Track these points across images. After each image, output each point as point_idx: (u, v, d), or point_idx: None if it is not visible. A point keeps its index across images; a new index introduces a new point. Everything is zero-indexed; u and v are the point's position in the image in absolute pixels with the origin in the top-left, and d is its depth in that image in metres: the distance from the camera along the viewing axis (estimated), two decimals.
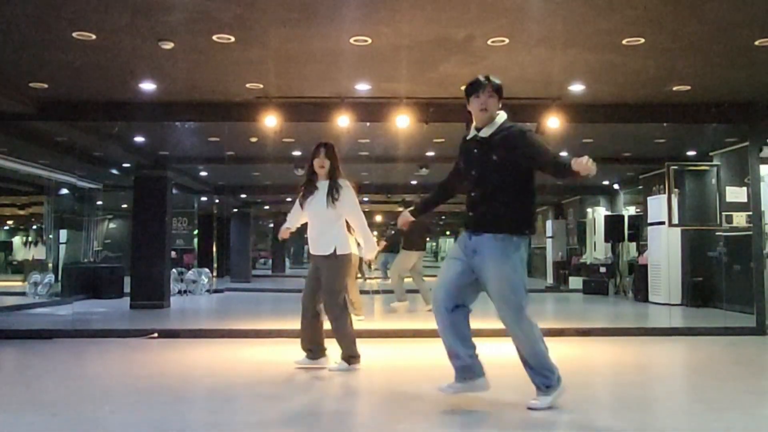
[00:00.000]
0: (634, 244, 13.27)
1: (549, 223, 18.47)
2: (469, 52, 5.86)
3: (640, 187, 13.01)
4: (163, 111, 7.74)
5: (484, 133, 3.90)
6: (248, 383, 4.80)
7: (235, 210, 19.14)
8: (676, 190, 10.37)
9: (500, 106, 3.95)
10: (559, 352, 6.31)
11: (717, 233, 10.07)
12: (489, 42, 5.58)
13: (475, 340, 4.14)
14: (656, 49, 5.75)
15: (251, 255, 19.81)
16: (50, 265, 13.41)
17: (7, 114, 7.65)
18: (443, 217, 26.39)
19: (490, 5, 4.88)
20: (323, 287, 5.13)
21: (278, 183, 14.94)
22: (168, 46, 5.59)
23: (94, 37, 5.42)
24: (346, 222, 5.37)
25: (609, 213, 14.66)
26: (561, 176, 3.69)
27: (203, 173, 14.03)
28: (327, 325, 5.23)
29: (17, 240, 20.25)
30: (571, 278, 15.91)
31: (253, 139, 9.46)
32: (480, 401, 4.10)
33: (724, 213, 9.12)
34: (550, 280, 17.79)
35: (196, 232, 16.99)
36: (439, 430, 3.56)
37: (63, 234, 14.10)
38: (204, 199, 16.69)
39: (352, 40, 5.55)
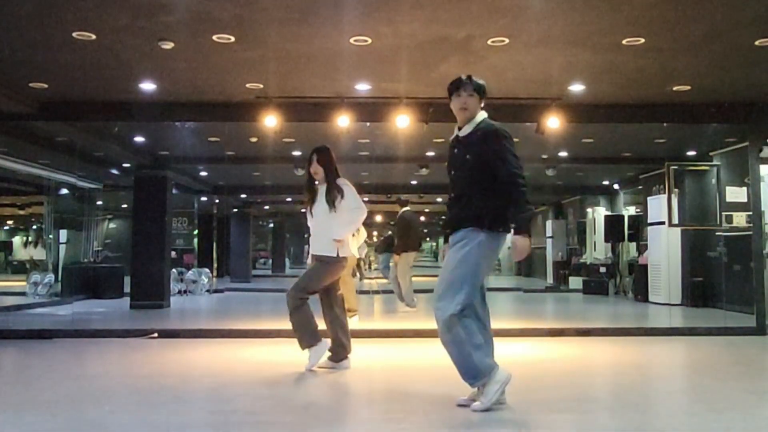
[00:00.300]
0: (634, 244, 13.27)
1: (549, 223, 18.48)
2: (469, 52, 5.86)
3: (640, 187, 13.01)
4: (163, 111, 7.74)
5: (463, 132, 3.91)
6: (248, 383, 4.80)
7: (235, 210, 19.15)
8: (676, 190, 10.38)
9: (482, 106, 3.95)
10: (559, 352, 6.34)
11: (717, 233, 10.07)
12: (489, 42, 5.58)
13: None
14: (656, 49, 5.75)
15: (251, 255, 19.82)
16: (50, 265, 13.41)
17: (7, 114, 7.66)
18: (443, 217, 26.40)
19: (490, 5, 4.88)
20: (304, 276, 5.18)
21: (278, 183, 14.95)
22: (168, 46, 5.59)
23: (94, 37, 5.42)
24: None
25: (609, 213, 14.67)
26: (507, 201, 3.73)
27: (203, 173, 14.03)
28: (350, 324, 5.26)
29: (17, 240, 20.26)
30: (571, 278, 15.92)
31: (253, 139, 9.47)
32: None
33: (724, 213, 9.13)
34: (550, 280, 17.80)
35: (196, 232, 17.00)
36: (439, 430, 3.56)
37: (63, 234, 14.10)
38: (204, 199, 16.70)
39: (352, 40, 5.55)
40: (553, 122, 7.44)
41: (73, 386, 4.71)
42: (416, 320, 8.93)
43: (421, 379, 4.95)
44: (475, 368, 3.71)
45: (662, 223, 10.72)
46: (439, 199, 18.02)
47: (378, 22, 5.19)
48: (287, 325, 5.26)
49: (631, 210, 14.23)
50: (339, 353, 5.25)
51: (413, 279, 10.12)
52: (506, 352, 6.34)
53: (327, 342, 5.20)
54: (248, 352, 6.21)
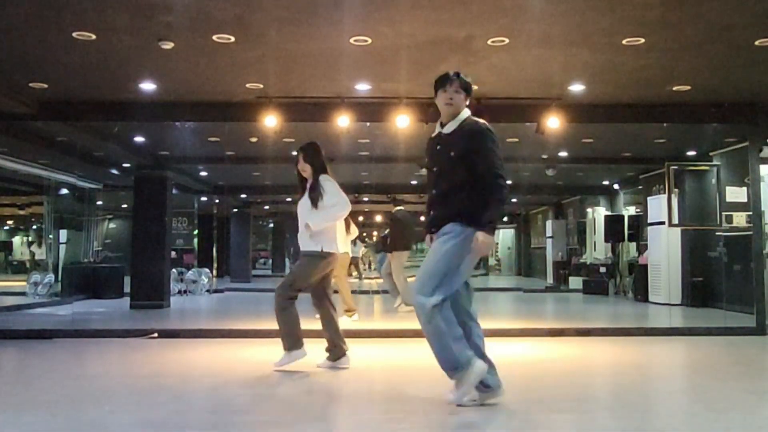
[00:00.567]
0: (634, 244, 13.27)
1: (549, 223, 18.48)
2: (469, 52, 5.86)
3: (640, 187, 13.02)
4: (163, 111, 7.74)
5: (447, 129, 3.89)
6: (248, 383, 4.80)
7: (235, 210, 19.15)
8: (676, 190, 10.38)
9: (467, 103, 3.93)
10: (559, 352, 6.34)
11: (717, 233, 10.08)
12: (489, 42, 5.58)
13: None
14: (656, 49, 5.75)
15: (251, 255, 19.84)
16: (50, 265, 13.41)
17: (7, 114, 7.65)
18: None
19: (490, 5, 4.88)
20: (289, 273, 5.18)
21: (278, 183, 14.94)
22: (168, 46, 5.59)
23: (94, 37, 5.42)
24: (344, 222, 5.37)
25: (609, 213, 14.67)
26: (487, 198, 3.68)
27: (203, 173, 14.03)
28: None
29: (17, 240, 20.26)
30: (571, 278, 15.93)
31: (253, 139, 9.47)
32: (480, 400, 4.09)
33: (724, 213, 9.13)
34: (550, 280, 17.80)
35: (196, 232, 17.00)
36: (440, 430, 3.56)
37: (63, 234, 14.10)
38: (204, 199, 16.70)
39: (352, 40, 5.55)
40: (553, 122, 7.44)
41: (73, 386, 4.71)
42: (416, 320, 8.94)
43: (421, 379, 4.94)
44: (454, 360, 3.70)
45: (662, 223, 10.72)
46: None
47: (378, 22, 5.19)
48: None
49: (631, 210, 14.23)
50: (336, 353, 5.26)
51: (410, 278, 10.12)
52: (506, 352, 6.35)
53: (304, 351, 5.18)
54: (248, 352, 6.21)
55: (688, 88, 6.98)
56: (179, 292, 13.23)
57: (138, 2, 4.81)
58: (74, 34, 5.36)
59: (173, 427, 3.55)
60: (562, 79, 6.80)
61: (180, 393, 4.47)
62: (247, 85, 6.94)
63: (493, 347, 6.54)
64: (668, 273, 11.01)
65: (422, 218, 9.88)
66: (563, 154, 11.19)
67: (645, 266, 11.74)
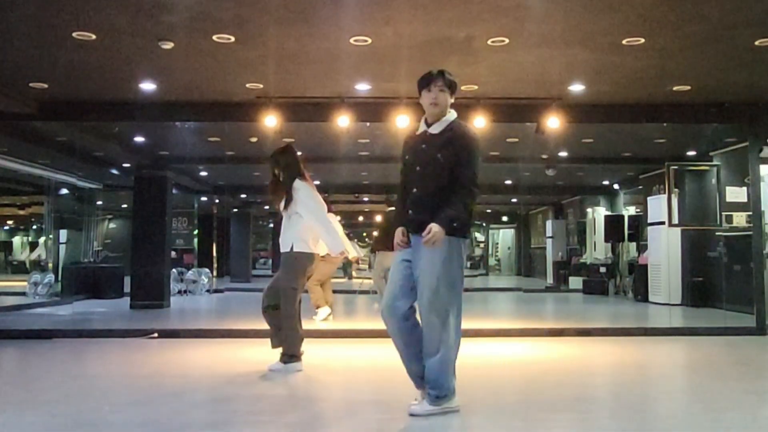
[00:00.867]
0: (634, 244, 13.27)
1: (549, 223, 18.48)
2: (469, 52, 5.86)
3: (640, 187, 13.01)
4: (163, 111, 7.74)
5: (434, 129, 3.79)
6: (248, 383, 4.80)
7: (235, 210, 19.15)
8: (676, 190, 10.38)
9: (452, 101, 3.85)
10: (559, 352, 6.34)
11: (717, 233, 10.08)
12: (489, 42, 5.58)
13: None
14: (656, 49, 5.75)
15: (251, 255, 19.84)
16: (50, 265, 13.41)
17: (7, 114, 7.65)
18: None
19: (490, 5, 4.88)
20: (280, 283, 5.15)
21: None
22: (168, 46, 5.59)
23: (94, 37, 5.42)
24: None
25: (609, 213, 14.67)
26: (457, 202, 3.62)
27: (203, 173, 14.04)
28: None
29: (17, 240, 20.26)
30: (571, 278, 15.92)
31: (253, 139, 9.47)
32: (480, 401, 4.09)
33: (724, 213, 9.13)
34: (550, 280, 17.80)
35: (196, 232, 17.00)
36: (441, 430, 3.56)
37: (63, 234, 14.10)
38: (204, 199, 16.70)
39: (352, 40, 5.55)
40: (553, 122, 7.44)
41: (73, 386, 4.71)
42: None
43: None
44: (450, 381, 3.69)
45: (662, 223, 10.72)
46: None
47: (378, 22, 5.19)
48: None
49: (631, 210, 14.23)
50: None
51: None
52: (506, 352, 6.35)
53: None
54: (248, 352, 6.20)
55: (688, 88, 6.98)
56: (179, 292, 13.22)
57: (138, 2, 4.81)
58: (74, 34, 5.35)
59: (173, 427, 3.55)
60: (562, 79, 6.80)
61: (180, 393, 4.47)
62: (247, 85, 6.94)
63: (493, 347, 6.57)
64: (668, 273, 11.01)
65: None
66: (563, 154, 11.18)
67: (645, 266, 11.73)
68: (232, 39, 5.51)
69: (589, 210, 15.72)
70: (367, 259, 22.66)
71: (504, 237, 26.66)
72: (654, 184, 12.00)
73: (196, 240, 17.01)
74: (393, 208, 10.43)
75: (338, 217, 9.57)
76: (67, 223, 14.18)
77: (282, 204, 5.23)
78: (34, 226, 18.29)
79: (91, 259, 14.36)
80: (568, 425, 3.69)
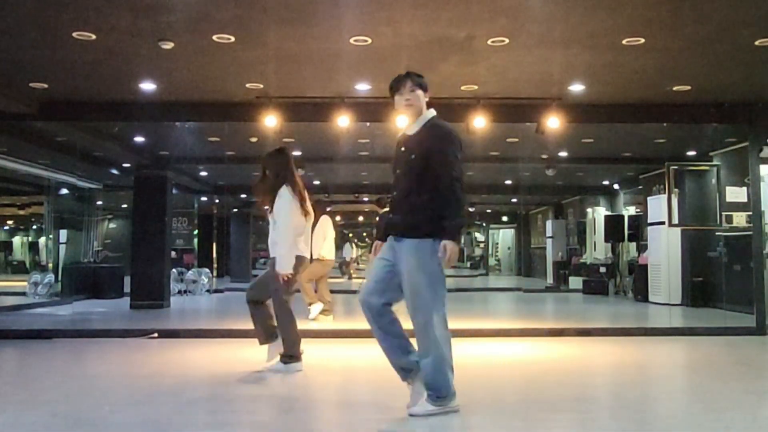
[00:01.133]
0: (634, 244, 13.27)
1: (549, 223, 18.47)
2: (469, 52, 5.86)
3: (640, 187, 13.01)
4: (163, 111, 7.74)
5: (411, 130, 3.79)
6: (248, 383, 4.80)
7: (235, 210, 19.14)
8: (676, 190, 10.38)
9: (427, 100, 3.83)
10: (559, 352, 6.34)
11: (717, 233, 10.08)
12: (489, 42, 5.58)
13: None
14: (656, 49, 5.75)
15: (251, 255, 19.85)
16: (50, 265, 13.41)
17: (7, 114, 7.65)
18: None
19: (490, 5, 4.88)
20: (269, 287, 5.12)
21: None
22: (168, 46, 5.59)
23: (94, 37, 5.42)
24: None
25: (609, 213, 14.66)
26: (444, 202, 3.57)
27: (203, 173, 14.03)
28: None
29: (17, 240, 20.26)
30: (571, 278, 15.91)
31: (253, 139, 9.47)
32: (480, 401, 4.09)
33: (724, 213, 9.13)
34: (550, 280, 17.79)
35: (196, 232, 17.00)
36: (441, 431, 3.56)
37: (63, 234, 14.10)
38: (204, 199, 16.70)
39: (352, 40, 5.55)
40: (553, 122, 7.44)
41: (73, 386, 4.71)
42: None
43: None
44: (446, 386, 3.67)
45: (662, 223, 10.72)
46: None
47: (378, 22, 5.19)
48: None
49: (631, 210, 14.23)
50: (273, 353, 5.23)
51: None
52: (506, 352, 6.35)
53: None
54: (248, 352, 6.19)
55: (688, 88, 6.98)
56: (179, 292, 13.22)
57: (138, 2, 4.81)
58: (74, 34, 5.36)
59: (173, 427, 3.55)
60: (562, 79, 6.80)
61: (180, 393, 4.47)
62: (247, 85, 6.94)
63: (493, 347, 6.57)
64: (668, 273, 11.01)
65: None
66: (563, 154, 11.19)
67: (645, 266, 11.73)
68: (232, 39, 5.51)
69: (589, 210, 15.72)
70: (367, 259, 22.68)
71: (504, 237, 26.66)
72: (654, 184, 12.00)
73: (196, 240, 17.02)
74: (386, 209, 10.48)
75: (337, 217, 9.56)
76: (67, 223, 14.18)
77: (269, 207, 5.23)
78: (34, 226, 18.29)
79: (91, 259, 14.36)
80: (568, 425, 3.69)
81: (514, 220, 24.38)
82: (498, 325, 8.08)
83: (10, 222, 19.79)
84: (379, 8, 4.95)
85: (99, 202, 15.86)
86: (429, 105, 3.90)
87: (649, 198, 11.86)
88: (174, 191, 11.92)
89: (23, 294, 12.18)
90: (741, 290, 9.10)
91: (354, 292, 13.86)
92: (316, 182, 14.97)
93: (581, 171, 13.45)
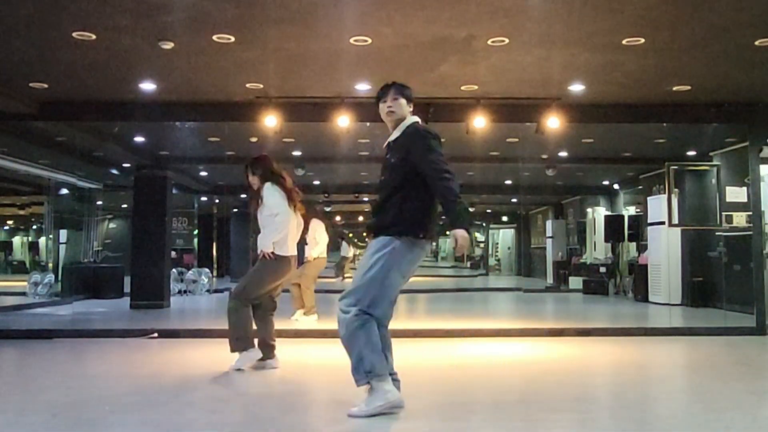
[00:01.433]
0: (634, 244, 13.27)
1: (549, 223, 18.48)
2: (469, 52, 5.86)
3: (640, 187, 13.01)
4: (163, 111, 7.74)
5: (392, 137, 3.87)
6: (248, 383, 4.80)
7: (235, 210, 19.14)
8: (676, 190, 10.37)
9: (411, 110, 3.89)
10: (559, 352, 6.34)
11: (717, 233, 10.07)
12: (489, 42, 5.58)
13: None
14: (656, 49, 5.75)
15: (251, 255, 19.84)
16: (50, 265, 13.41)
17: (7, 114, 7.66)
18: (443, 217, 26.39)
19: (490, 5, 4.88)
20: (245, 276, 5.20)
21: None
22: (168, 46, 5.59)
23: (94, 37, 5.42)
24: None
25: (609, 213, 14.66)
26: (441, 199, 3.60)
27: (203, 173, 14.03)
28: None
29: (17, 240, 20.25)
30: (571, 278, 15.91)
31: (253, 139, 9.47)
32: (480, 401, 4.10)
33: (724, 213, 9.12)
34: (550, 280, 17.79)
35: (196, 232, 17.00)
36: (441, 430, 3.56)
37: (63, 234, 14.10)
38: (204, 199, 16.69)
39: (352, 40, 5.55)
40: (553, 122, 7.44)
41: (73, 386, 4.71)
42: (417, 321, 8.94)
43: (422, 379, 4.94)
44: (365, 368, 3.62)
45: (662, 223, 10.72)
46: None
47: (378, 22, 5.19)
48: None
49: (631, 210, 14.23)
50: (266, 353, 5.26)
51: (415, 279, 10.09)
52: (506, 352, 6.35)
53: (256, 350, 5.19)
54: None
55: (688, 88, 6.98)
56: (179, 292, 13.22)
57: (138, 2, 4.81)
58: (74, 34, 5.36)
59: (173, 427, 3.56)
60: (562, 79, 6.80)
61: (180, 393, 4.47)
62: (247, 85, 6.94)
63: (493, 347, 6.57)
64: (668, 273, 11.01)
65: None
66: (563, 154, 11.18)
67: (645, 266, 11.73)
68: (232, 39, 5.51)
69: (589, 210, 15.72)
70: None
71: (504, 237, 26.65)
72: (654, 184, 11.99)
73: (196, 240, 17.01)
74: None
75: (337, 217, 9.59)
76: (67, 223, 14.18)
77: (257, 209, 5.30)
78: (34, 226, 18.28)
79: (91, 259, 14.36)
80: (568, 425, 3.69)
81: (514, 220, 24.37)
82: (498, 325, 8.08)
83: (10, 222, 19.78)
84: (379, 8, 4.96)
85: (99, 202, 15.85)
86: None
87: (649, 198, 11.86)
88: (174, 191, 11.92)
89: (23, 294, 12.17)
90: (741, 290, 9.10)
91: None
92: (316, 182, 14.98)
93: (581, 171, 13.45)
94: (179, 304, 11.62)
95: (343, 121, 7.35)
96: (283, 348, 5.36)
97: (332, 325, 8.29)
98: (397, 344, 3.95)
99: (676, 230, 10.84)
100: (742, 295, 8.97)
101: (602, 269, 13.83)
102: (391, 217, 3.66)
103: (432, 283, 17.50)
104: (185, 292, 13.43)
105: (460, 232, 3.53)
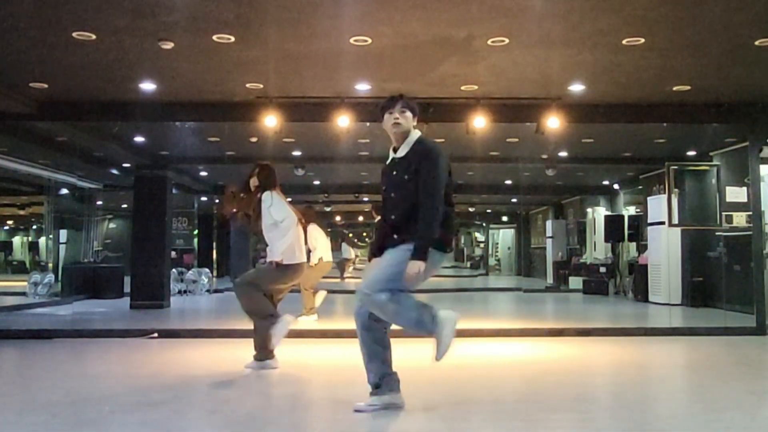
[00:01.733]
0: (634, 244, 13.27)
1: (549, 223, 18.48)
2: (469, 52, 5.86)
3: (640, 187, 13.01)
4: (163, 111, 7.74)
5: (400, 153, 3.84)
6: (248, 383, 4.80)
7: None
8: (676, 190, 10.37)
9: (415, 124, 3.88)
10: (559, 352, 6.34)
11: (717, 233, 10.07)
12: (489, 42, 5.58)
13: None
14: (656, 49, 5.75)
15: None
16: (50, 265, 13.41)
17: (7, 114, 7.65)
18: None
19: (490, 5, 4.88)
20: (252, 271, 5.27)
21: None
22: (168, 46, 5.59)
23: (94, 37, 5.42)
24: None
25: (609, 213, 14.66)
26: (421, 221, 3.60)
27: (203, 173, 14.03)
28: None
29: (17, 240, 20.26)
30: (571, 278, 15.91)
31: (253, 139, 9.47)
32: (480, 401, 4.09)
33: (724, 213, 9.12)
34: (550, 280, 17.80)
35: (196, 232, 17.00)
36: (440, 427, 3.56)
37: (63, 234, 14.10)
38: (204, 199, 16.69)
39: (352, 40, 5.55)
40: (553, 122, 7.43)
41: (73, 386, 4.71)
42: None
43: (421, 379, 4.94)
44: (427, 323, 3.72)
45: (662, 223, 10.71)
46: None
47: (378, 22, 5.19)
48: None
49: (631, 210, 14.23)
50: (263, 354, 5.26)
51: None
52: (506, 352, 6.35)
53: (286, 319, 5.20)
54: (248, 352, 6.17)
55: (688, 88, 6.98)
56: (179, 292, 13.22)
57: (138, 2, 4.81)
58: (74, 34, 5.35)
59: (173, 427, 3.56)
60: (562, 79, 6.80)
61: (180, 393, 4.47)
62: (247, 85, 6.94)
63: (493, 347, 6.57)
64: (668, 273, 11.01)
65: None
66: (563, 154, 11.18)
67: (645, 266, 11.73)
68: (232, 39, 5.51)
69: (589, 210, 15.72)
70: (367, 261, 22.67)
71: (504, 237, 26.66)
72: (654, 184, 11.99)
73: (196, 240, 17.02)
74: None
75: (337, 217, 9.61)
76: (67, 223, 14.18)
77: (255, 221, 5.36)
78: (34, 226, 18.29)
79: (91, 259, 14.36)
80: (568, 425, 3.69)
81: (514, 220, 24.38)
82: (498, 325, 8.08)
83: (10, 222, 19.79)
84: (379, 8, 4.95)
85: (99, 202, 15.87)
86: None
87: (649, 198, 11.86)
88: (174, 191, 11.92)
89: (23, 294, 12.18)
90: (741, 290, 9.10)
91: (349, 292, 13.87)
92: (316, 182, 14.98)
93: (581, 171, 13.45)
94: (179, 304, 11.62)
95: (343, 121, 7.35)
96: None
97: (332, 325, 8.31)
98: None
99: (676, 230, 10.84)
100: (742, 295, 8.97)
101: (602, 269, 13.84)
102: (413, 233, 3.63)
103: (432, 282, 17.40)
104: (185, 292, 13.43)
105: (417, 264, 3.54)
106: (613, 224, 13.43)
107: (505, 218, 24.81)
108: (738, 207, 8.84)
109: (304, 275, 5.68)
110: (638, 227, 12.87)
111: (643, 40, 5.51)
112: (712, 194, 10.36)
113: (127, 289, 11.13)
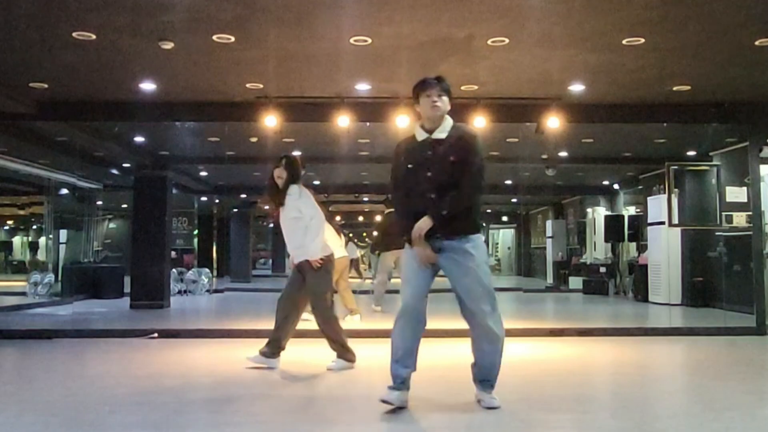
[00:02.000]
0: (634, 244, 13.27)
1: (549, 223, 18.48)
2: (469, 52, 5.86)
3: (640, 187, 13.01)
4: (163, 111, 7.74)
5: (439, 134, 3.88)
6: (248, 383, 4.80)
7: (235, 210, 19.14)
8: (676, 190, 10.37)
9: (449, 107, 3.94)
10: (560, 352, 6.34)
11: (717, 233, 10.07)
12: (489, 42, 5.58)
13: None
14: (656, 49, 5.75)
15: (251, 255, 19.86)
16: (50, 265, 13.42)
17: (7, 114, 7.65)
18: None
19: (490, 5, 4.88)
20: (309, 290, 5.21)
21: None
22: (168, 46, 5.59)
23: (94, 37, 5.42)
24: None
25: (609, 213, 14.66)
26: (458, 199, 3.77)
27: (203, 173, 14.03)
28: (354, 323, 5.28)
29: (17, 240, 20.26)
30: (571, 278, 15.92)
31: (253, 139, 9.47)
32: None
33: (724, 213, 9.12)
34: (550, 280, 17.79)
35: (196, 232, 17.01)
36: (444, 430, 3.56)
37: (63, 234, 14.10)
38: (204, 199, 16.70)
39: (352, 40, 5.55)
40: (553, 122, 7.44)
41: (73, 386, 4.71)
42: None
43: (421, 379, 4.94)
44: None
45: (662, 223, 10.72)
46: None
47: (378, 22, 5.19)
48: None
49: (631, 210, 14.23)
50: (272, 349, 5.27)
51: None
52: (506, 352, 6.34)
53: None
54: (248, 352, 6.19)
55: (688, 88, 6.98)
56: (179, 292, 13.23)
57: (138, 2, 4.81)
58: (74, 34, 5.36)
59: (173, 427, 3.56)
60: (562, 79, 6.80)
61: (180, 393, 4.47)
62: (247, 85, 6.94)
63: None
64: (668, 273, 11.01)
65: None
66: (563, 154, 11.18)
67: (645, 266, 11.74)
68: (232, 39, 5.51)
69: (589, 210, 15.72)
70: (367, 259, 22.65)
71: (504, 237, 26.66)
72: (654, 184, 11.99)
73: (196, 240, 17.03)
74: (392, 210, 10.51)
75: (338, 217, 9.61)
76: (67, 223, 14.19)
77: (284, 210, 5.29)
78: (34, 226, 18.29)
79: (91, 259, 14.37)
80: (568, 425, 3.69)
81: (514, 220, 24.38)
82: None
83: (10, 222, 19.80)
84: (379, 8, 4.96)
85: (99, 202, 15.87)
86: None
87: (649, 198, 11.86)
88: (174, 191, 11.92)
89: (23, 294, 12.18)
90: (741, 290, 9.11)
91: (367, 292, 13.86)
92: (316, 182, 14.97)
93: (581, 171, 13.45)
94: (179, 304, 11.62)
95: (343, 121, 7.35)
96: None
97: (343, 325, 8.25)
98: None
99: (676, 230, 10.84)
100: (742, 295, 8.97)
101: (602, 269, 13.84)
102: (466, 215, 3.82)
103: (432, 283, 17.46)
104: (185, 292, 13.44)
105: (427, 222, 3.74)
106: (613, 224, 13.43)
107: (505, 218, 24.80)
108: (738, 207, 8.84)
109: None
110: (638, 227, 12.87)
111: (643, 40, 5.51)
112: (712, 194, 10.36)
113: (127, 289, 11.13)
